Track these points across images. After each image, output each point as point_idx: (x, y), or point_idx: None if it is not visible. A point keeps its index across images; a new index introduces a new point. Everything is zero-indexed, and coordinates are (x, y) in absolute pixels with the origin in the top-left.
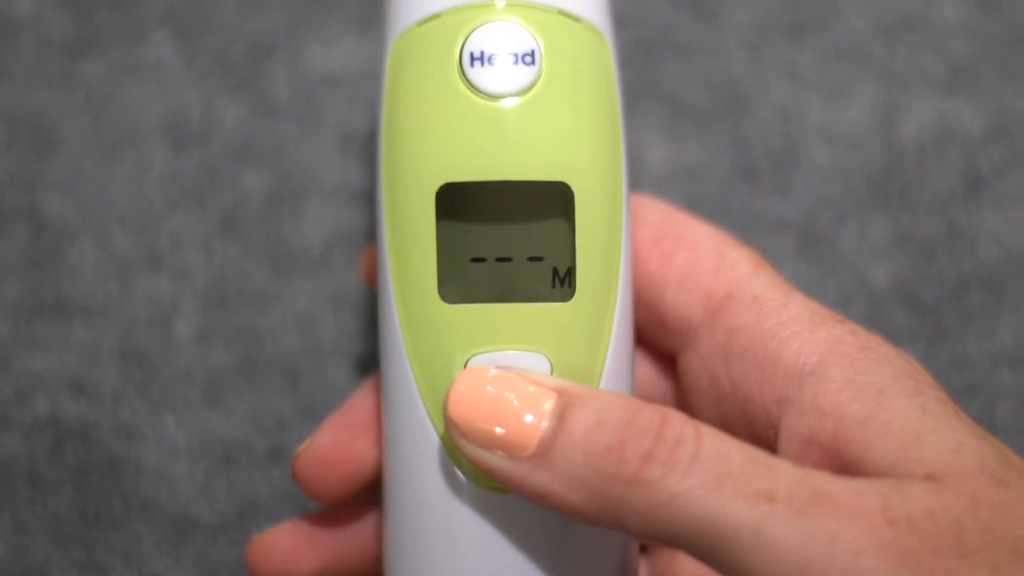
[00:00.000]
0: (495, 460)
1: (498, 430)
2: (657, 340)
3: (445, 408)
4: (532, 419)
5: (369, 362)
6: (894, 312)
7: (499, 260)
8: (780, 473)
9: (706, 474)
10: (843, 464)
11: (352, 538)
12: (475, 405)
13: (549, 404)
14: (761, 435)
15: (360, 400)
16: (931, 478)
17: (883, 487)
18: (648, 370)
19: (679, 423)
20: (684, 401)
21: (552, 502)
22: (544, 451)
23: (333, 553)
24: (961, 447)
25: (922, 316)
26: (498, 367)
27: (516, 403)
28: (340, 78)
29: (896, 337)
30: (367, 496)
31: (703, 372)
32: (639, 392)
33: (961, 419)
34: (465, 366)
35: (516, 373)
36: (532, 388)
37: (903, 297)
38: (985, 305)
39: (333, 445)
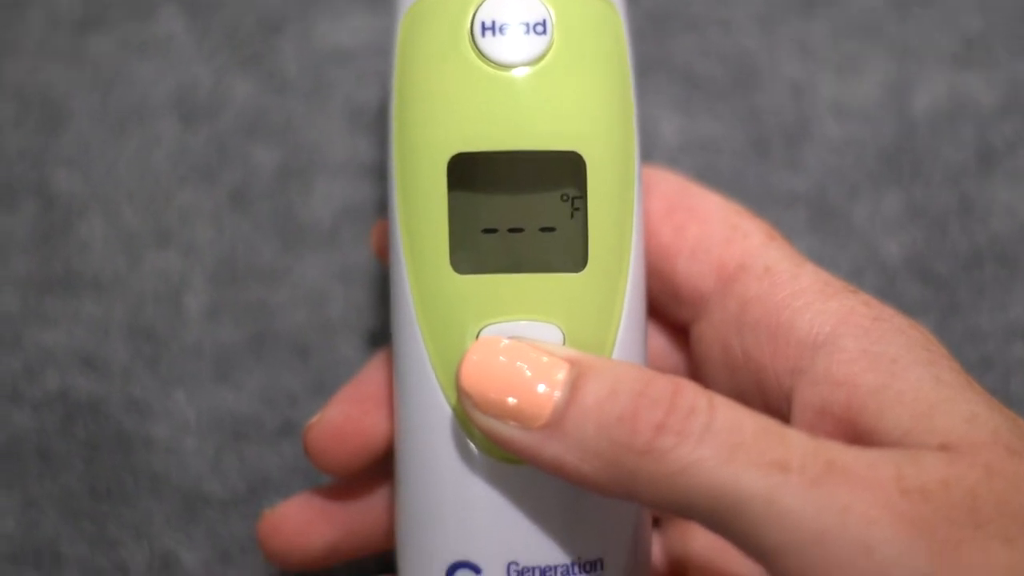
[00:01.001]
0: (507, 430)
1: (511, 400)
2: (670, 311)
3: (457, 378)
4: (545, 389)
5: (379, 337)
6: (907, 285)
7: (511, 231)
8: (793, 443)
9: (719, 444)
10: (856, 434)
11: (363, 512)
12: (488, 375)
13: (562, 374)
14: (774, 405)
15: (371, 373)
16: (945, 448)
17: (896, 457)
18: (661, 341)
19: (692, 393)
20: (696, 372)
21: (565, 472)
22: (557, 421)
23: (344, 527)
24: (975, 418)
25: (935, 289)
26: (510, 337)
27: (529, 373)
28: (349, 53)
29: (909, 310)
30: (378, 470)
31: (715, 343)
32: (652, 363)
33: (975, 389)
34: (477, 337)
35: (529, 343)
36: (545, 358)
37: (916, 270)
38: (998, 278)
39: (344, 418)
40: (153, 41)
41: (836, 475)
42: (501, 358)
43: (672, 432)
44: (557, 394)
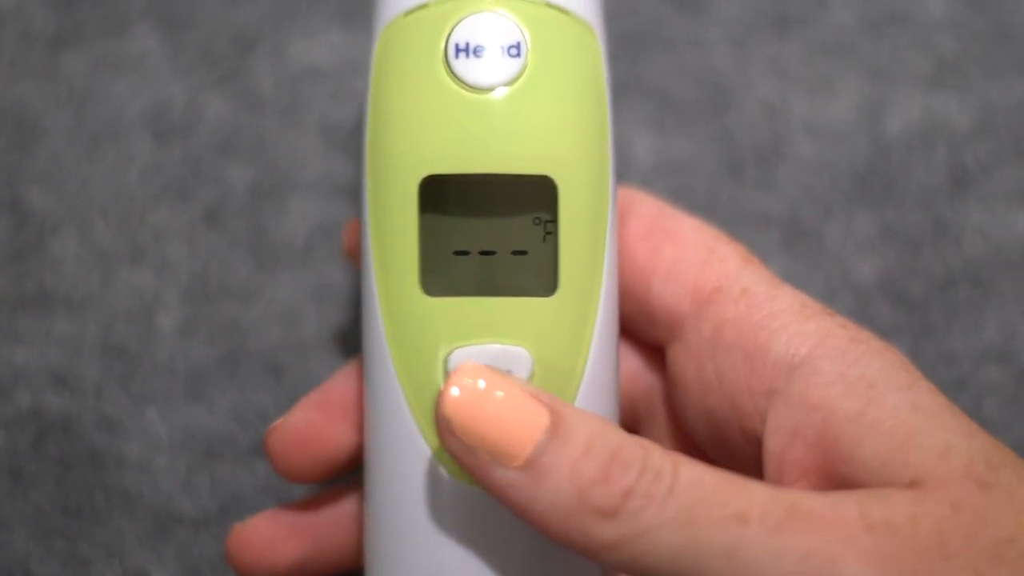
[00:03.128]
0: (481, 463)
1: (490, 433)
2: (644, 333)
3: (438, 404)
4: (526, 429)
5: (352, 356)
6: (880, 307)
7: (482, 253)
8: (754, 493)
9: (680, 505)
10: (830, 459)
11: (333, 529)
12: (468, 404)
13: (543, 418)
14: (748, 428)
15: (338, 382)
16: (915, 483)
17: (860, 496)
18: (635, 362)
19: (659, 457)
20: (670, 393)
21: (530, 517)
22: (532, 466)
23: (313, 543)
24: (948, 450)
25: (908, 311)
26: (496, 370)
27: (512, 410)
28: (324, 71)
29: (882, 332)
30: (347, 486)
31: (690, 364)
32: (626, 386)
33: (952, 414)
34: (447, 359)
35: (512, 380)
36: (528, 396)
37: (889, 292)
38: (971, 300)
39: (306, 424)
40: (127, 58)
41: (797, 520)
42: (485, 389)
43: (639, 496)
44: (537, 438)
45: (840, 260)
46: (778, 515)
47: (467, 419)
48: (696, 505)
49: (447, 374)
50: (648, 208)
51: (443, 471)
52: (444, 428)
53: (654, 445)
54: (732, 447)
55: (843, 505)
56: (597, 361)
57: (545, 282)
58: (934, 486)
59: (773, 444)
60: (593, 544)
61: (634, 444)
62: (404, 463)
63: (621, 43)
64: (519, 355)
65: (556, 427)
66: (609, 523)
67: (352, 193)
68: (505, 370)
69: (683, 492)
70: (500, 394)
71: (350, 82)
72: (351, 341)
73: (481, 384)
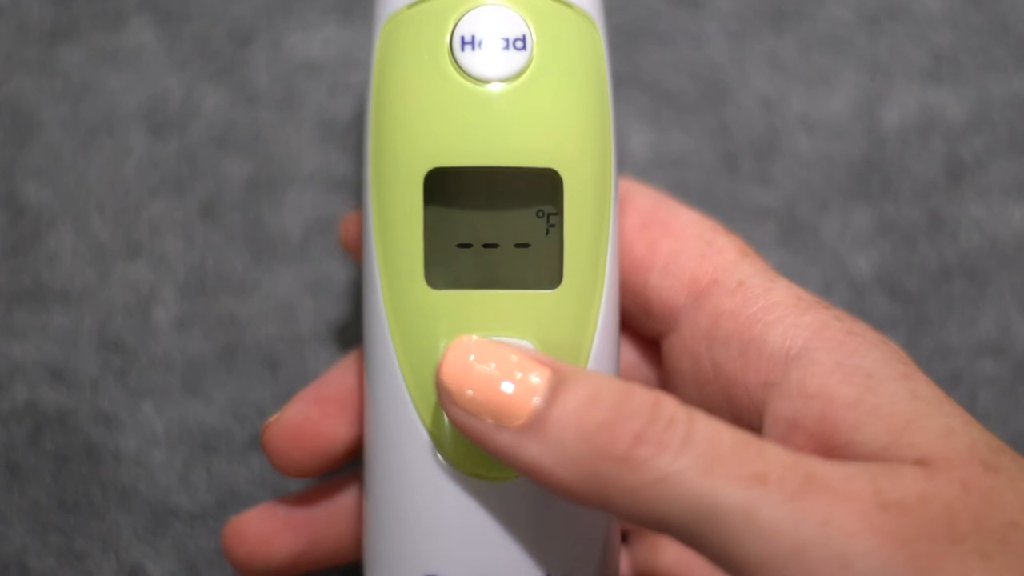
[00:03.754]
0: (485, 428)
1: (490, 397)
2: (641, 325)
3: (438, 373)
4: (524, 389)
5: (349, 350)
6: (876, 300)
7: (486, 246)
8: (771, 457)
9: (698, 456)
10: (830, 447)
11: (329, 522)
12: (468, 371)
13: (543, 377)
14: (744, 420)
15: (335, 376)
16: (922, 463)
17: (874, 471)
18: (632, 355)
19: (671, 405)
20: (667, 386)
21: (540, 476)
22: (536, 423)
23: (309, 536)
24: (951, 432)
25: (904, 304)
26: (493, 340)
27: (509, 372)
28: (320, 65)
29: (878, 325)
30: (342, 479)
31: (686, 356)
32: (623, 377)
33: (950, 403)
34: None
35: (510, 346)
36: (527, 360)
37: (885, 285)
38: (967, 294)
39: (303, 418)
40: (123, 52)
41: (815, 488)
42: (482, 356)
43: (651, 442)
44: (537, 396)
45: (836, 254)
46: (796, 481)
47: (465, 385)
48: (714, 458)
49: None
50: (645, 200)
51: (444, 461)
52: (444, 398)
53: (666, 395)
54: None
55: (857, 479)
56: (600, 353)
57: (549, 275)
58: (942, 465)
59: (773, 435)
60: (608, 493)
61: (644, 392)
62: (406, 454)
63: (618, 36)
64: (523, 348)
65: (558, 383)
66: (622, 468)
67: (349, 186)
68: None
69: (701, 443)
70: (496, 359)
71: (347, 76)
72: (348, 335)
73: (476, 349)
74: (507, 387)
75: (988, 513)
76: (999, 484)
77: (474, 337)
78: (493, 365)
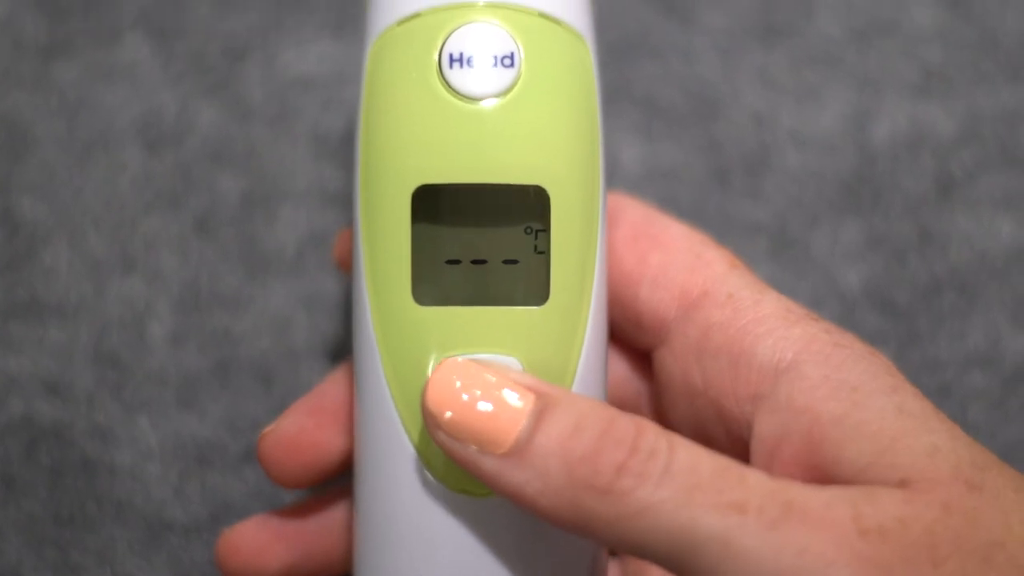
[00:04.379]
0: (470, 453)
1: (474, 423)
2: (632, 338)
3: (423, 398)
4: (509, 416)
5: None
6: (866, 314)
7: (474, 263)
8: (751, 484)
9: (677, 486)
10: (816, 462)
11: (321, 535)
12: (453, 396)
13: (527, 403)
14: (734, 432)
15: (329, 387)
16: (905, 483)
17: (854, 495)
18: (623, 367)
19: (653, 435)
20: (658, 398)
21: (524, 502)
22: (520, 450)
23: (302, 549)
24: (936, 451)
25: (894, 318)
26: (479, 362)
27: (494, 397)
28: (314, 81)
29: (868, 339)
30: (335, 492)
31: (677, 369)
32: (613, 390)
33: (938, 418)
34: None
35: (495, 368)
36: (511, 384)
37: (875, 300)
38: (957, 307)
39: (298, 430)
40: (118, 68)
41: (794, 516)
42: (467, 380)
43: (632, 474)
44: (522, 423)
45: (826, 268)
46: (775, 509)
47: (450, 410)
48: (694, 487)
49: None
50: (635, 213)
51: (432, 477)
52: (430, 423)
53: (649, 423)
54: (719, 451)
55: (837, 505)
56: (587, 369)
57: (536, 291)
58: (924, 487)
59: (760, 448)
60: (590, 522)
61: (627, 421)
62: (394, 470)
63: (610, 51)
64: (510, 364)
65: (543, 409)
66: (604, 499)
67: (342, 202)
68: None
69: (681, 473)
70: (480, 384)
71: (340, 91)
72: (342, 350)
73: (461, 373)
74: (491, 413)
75: (970, 535)
76: (982, 504)
77: (460, 358)
78: (478, 391)
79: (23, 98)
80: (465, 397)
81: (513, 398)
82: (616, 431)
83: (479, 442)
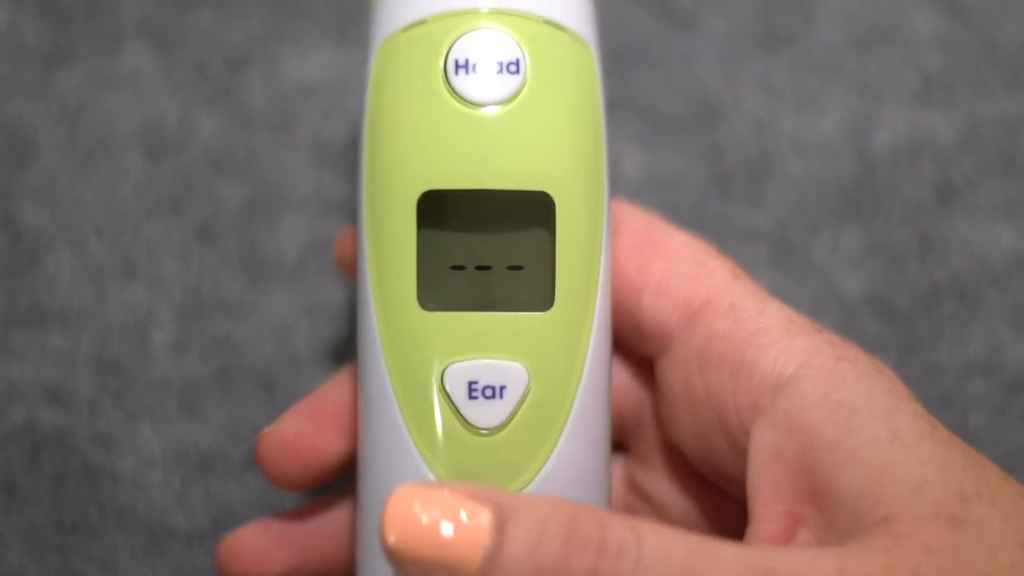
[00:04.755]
0: None
1: (436, 554)
2: (634, 346)
3: (380, 534)
4: (469, 539)
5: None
6: (866, 321)
7: (479, 268)
8: (726, 560)
9: None
10: (807, 484)
11: (322, 538)
12: (410, 529)
13: (485, 518)
14: (735, 441)
15: (330, 390)
16: (887, 520)
17: (838, 552)
18: (625, 376)
19: (617, 528)
20: (659, 406)
21: None
22: (487, 570)
23: (303, 554)
24: (922, 484)
25: (894, 325)
26: (428, 485)
27: (452, 522)
28: (315, 88)
29: (869, 346)
30: (336, 496)
31: (679, 378)
32: (615, 399)
33: (933, 441)
34: (443, 374)
35: (447, 488)
36: (466, 505)
37: (875, 306)
38: (957, 314)
39: (296, 432)
40: (120, 75)
41: None
42: (421, 506)
43: (604, 575)
44: (486, 542)
45: (827, 275)
46: None
47: (409, 546)
48: None
49: (442, 389)
50: (637, 222)
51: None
52: (392, 558)
53: (611, 515)
54: (720, 460)
55: (820, 562)
56: (592, 375)
57: (541, 297)
58: (905, 529)
59: (757, 461)
60: None
61: (588, 517)
62: (398, 475)
63: (612, 59)
64: (515, 370)
65: (503, 523)
66: None
67: (344, 209)
68: (500, 385)
69: (652, 565)
70: (428, 508)
71: (342, 99)
72: (343, 356)
73: (412, 501)
74: (452, 541)
75: (955, 572)
76: (964, 540)
77: (408, 487)
78: (436, 515)
79: (25, 105)
80: (422, 526)
81: (469, 518)
82: (580, 532)
83: (445, 570)
